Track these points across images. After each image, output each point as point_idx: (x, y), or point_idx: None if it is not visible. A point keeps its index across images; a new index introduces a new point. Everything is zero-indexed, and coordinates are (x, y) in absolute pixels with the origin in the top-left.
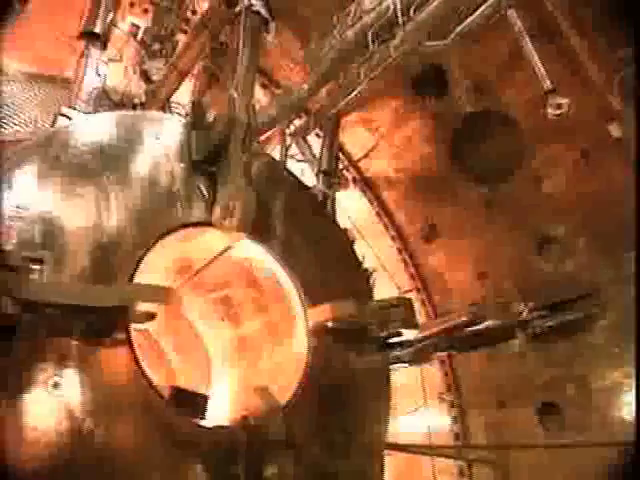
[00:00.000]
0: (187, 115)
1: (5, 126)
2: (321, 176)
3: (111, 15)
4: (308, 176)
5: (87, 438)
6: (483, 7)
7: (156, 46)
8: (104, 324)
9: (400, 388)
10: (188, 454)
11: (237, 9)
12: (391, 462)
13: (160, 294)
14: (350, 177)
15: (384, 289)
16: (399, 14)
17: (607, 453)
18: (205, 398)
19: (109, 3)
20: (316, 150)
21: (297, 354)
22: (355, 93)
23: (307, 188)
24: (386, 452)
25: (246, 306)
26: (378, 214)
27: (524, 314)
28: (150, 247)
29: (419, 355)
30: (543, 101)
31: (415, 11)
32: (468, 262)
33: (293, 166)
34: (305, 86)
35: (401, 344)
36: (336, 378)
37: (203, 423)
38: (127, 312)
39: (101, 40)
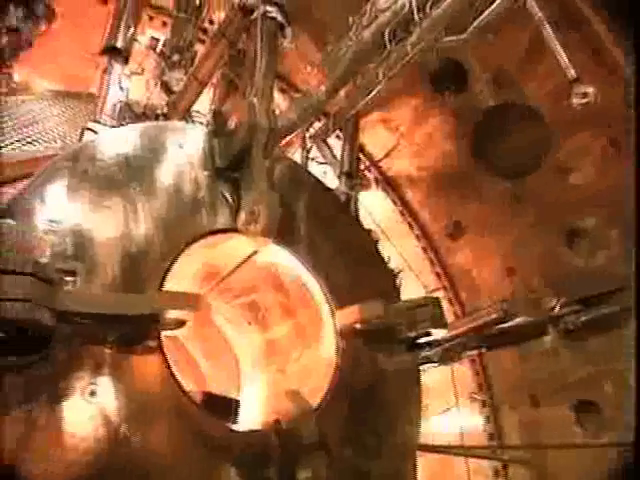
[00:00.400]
0: (209, 123)
1: (35, 143)
2: (343, 178)
3: (131, 30)
4: (330, 178)
5: (124, 444)
6: None
7: (175, 57)
8: (136, 332)
9: (430, 388)
10: (222, 458)
11: (253, 16)
12: (424, 463)
13: (190, 301)
14: (372, 177)
15: (411, 289)
16: (415, 11)
17: None
18: (236, 403)
19: (129, 19)
20: (337, 152)
21: (326, 357)
22: (374, 93)
23: (330, 190)
24: (419, 453)
25: (273, 310)
26: (402, 213)
27: (556, 310)
28: (178, 255)
29: (449, 354)
30: (567, 91)
31: (431, 7)
32: (495, 258)
33: (315, 169)
34: (323, 89)
35: (430, 344)
36: (366, 380)
37: (235, 427)
38: (158, 320)
39: (123, 55)
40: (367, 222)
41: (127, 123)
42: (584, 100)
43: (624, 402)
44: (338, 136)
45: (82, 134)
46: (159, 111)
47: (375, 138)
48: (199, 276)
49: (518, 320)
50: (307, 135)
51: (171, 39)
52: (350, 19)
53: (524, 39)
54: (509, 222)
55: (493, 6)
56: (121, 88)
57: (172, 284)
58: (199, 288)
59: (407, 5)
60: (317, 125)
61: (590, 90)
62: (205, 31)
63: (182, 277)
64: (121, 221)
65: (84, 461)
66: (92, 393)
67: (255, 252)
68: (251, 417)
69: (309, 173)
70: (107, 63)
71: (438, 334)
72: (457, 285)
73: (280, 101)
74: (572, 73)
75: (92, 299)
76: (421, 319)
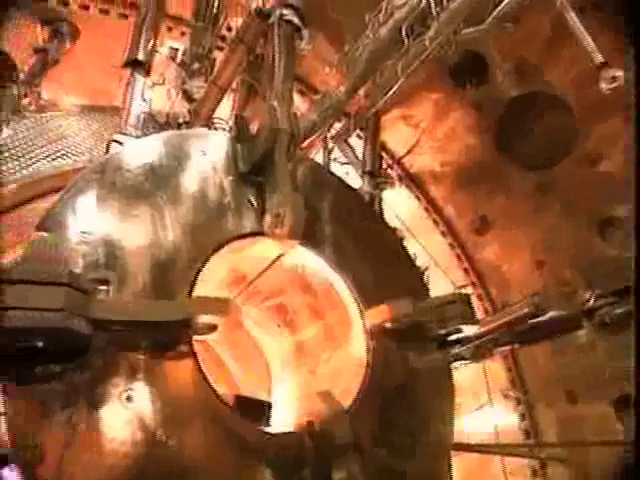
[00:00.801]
0: (231, 129)
1: (64, 157)
2: (366, 177)
3: (152, 42)
4: (353, 178)
5: (160, 447)
6: None
7: (195, 66)
8: (168, 338)
9: (462, 386)
10: (256, 461)
11: (270, 21)
12: (459, 463)
13: (221, 306)
14: (395, 175)
15: (439, 286)
16: (432, 4)
17: None
18: (269, 405)
19: (149, 31)
20: (359, 151)
21: (356, 357)
22: (393, 90)
23: (353, 190)
24: (453, 453)
25: (302, 312)
26: (426, 210)
27: (590, 302)
28: (206, 260)
29: (480, 351)
30: (594, 76)
31: (448, 0)
32: (524, 252)
33: (337, 169)
34: (343, 89)
35: (461, 341)
36: (397, 379)
37: (269, 430)
38: (190, 325)
39: (144, 67)
40: (392, 220)
41: (151, 133)
42: (613, 85)
43: None
44: (359, 135)
45: (108, 146)
46: (181, 119)
47: (396, 135)
48: (227, 281)
49: (551, 314)
50: (328, 136)
51: (190, 48)
52: (366, 17)
53: (545, 26)
54: (537, 214)
55: None
56: (144, 99)
57: (201, 290)
58: (227, 293)
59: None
60: (338, 125)
61: (619, 74)
62: (223, 38)
63: (210, 282)
64: (149, 229)
65: (124, 465)
66: (128, 398)
67: (281, 255)
68: (283, 419)
69: (332, 173)
70: (130, 76)
71: (469, 331)
72: (486, 280)
73: (299, 103)
74: (599, 58)
75: (125, 307)
76: (451, 316)
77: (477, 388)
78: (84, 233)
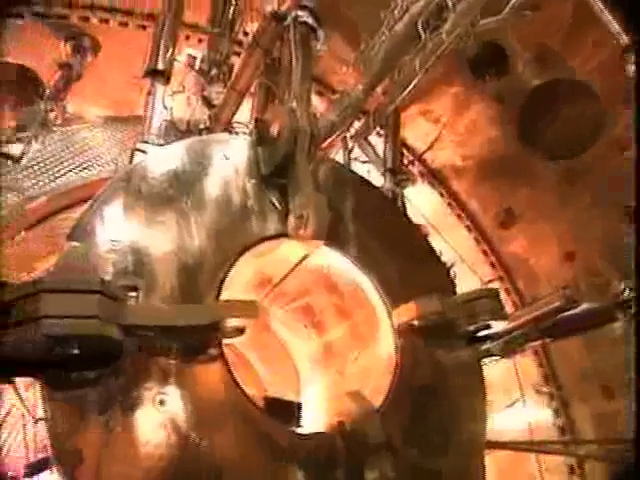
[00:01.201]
0: (251, 133)
1: (90, 168)
2: (387, 175)
3: (170, 51)
4: (374, 176)
5: (194, 450)
6: None
7: (214, 72)
8: (198, 342)
9: (493, 383)
10: (288, 462)
11: (286, 22)
12: (491, 461)
13: (249, 308)
14: (417, 171)
15: (466, 282)
16: None
17: None
18: (299, 406)
19: (168, 41)
20: (379, 149)
21: (385, 356)
22: (412, 86)
23: (376, 188)
24: (486, 451)
25: (328, 313)
26: (450, 205)
27: (625, 294)
28: (232, 264)
29: (510, 347)
30: (620, 60)
31: None
32: (552, 244)
33: (358, 168)
34: (361, 87)
35: (490, 337)
36: (427, 377)
37: (299, 431)
38: (218, 328)
39: (164, 76)
40: (415, 217)
41: (173, 140)
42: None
43: None
44: (379, 133)
45: (132, 155)
46: (202, 125)
47: (417, 131)
48: (253, 283)
49: (583, 307)
50: (348, 135)
51: (208, 55)
52: (381, 14)
53: (567, 11)
54: (564, 205)
55: None
56: (165, 107)
57: (228, 293)
58: (254, 295)
59: None
60: (357, 124)
61: None
62: (240, 44)
63: (237, 286)
64: (176, 235)
65: (160, 467)
66: (161, 402)
67: (306, 256)
68: (313, 420)
69: (353, 173)
70: (150, 85)
71: (498, 326)
72: (514, 274)
73: (317, 104)
74: (625, 40)
75: (155, 312)
76: (480, 312)
77: (508, 384)
78: (113, 241)
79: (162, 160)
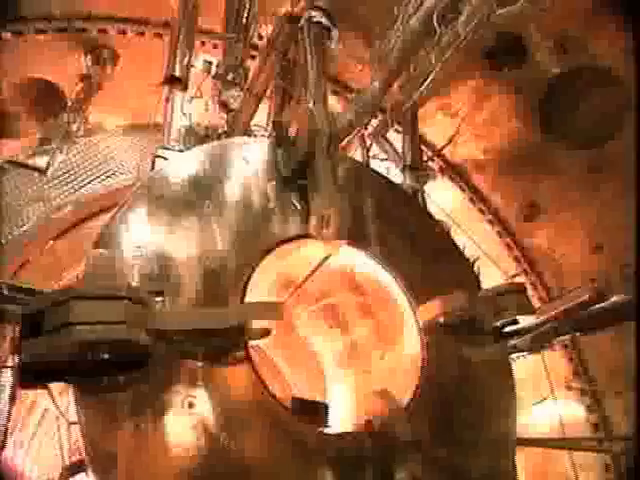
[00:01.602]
0: (270, 135)
1: (113, 176)
2: (407, 172)
3: (187, 58)
4: (394, 174)
5: (224, 451)
6: None
7: (230, 76)
8: (224, 344)
9: (522, 378)
10: (317, 462)
11: (300, 24)
12: (522, 458)
13: (274, 310)
14: (437, 167)
15: (490, 277)
16: None
17: None
18: (326, 406)
19: (184, 48)
20: (398, 146)
21: (411, 354)
22: (429, 81)
23: (396, 185)
24: (518, 448)
25: (352, 312)
26: (471, 200)
27: None
28: (255, 266)
29: (539, 342)
30: None
31: None
32: (579, 236)
33: (377, 166)
34: (377, 84)
35: (518, 332)
36: (454, 374)
37: (327, 431)
38: (244, 331)
39: (182, 82)
40: (437, 213)
41: (193, 146)
42: None
43: None
44: (397, 130)
45: (153, 162)
46: (220, 130)
47: (435, 126)
48: (276, 285)
49: (614, 299)
50: (366, 133)
51: (224, 59)
52: (395, 10)
53: None
54: (590, 195)
55: None
56: (183, 114)
57: (252, 295)
58: (278, 297)
59: None
60: (375, 122)
61: None
62: (255, 47)
63: (261, 287)
64: (199, 239)
65: (190, 469)
66: (190, 405)
67: (329, 255)
68: (340, 420)
69: (373, 171)
70: (168, 92)
71: (525, 321)
72: (539, 268)
73: (334, 102)
74: None
75: (181, 316)
76: (507, 307)
77: (538, 380)
78: (138, 247)
79: (182, 166)
